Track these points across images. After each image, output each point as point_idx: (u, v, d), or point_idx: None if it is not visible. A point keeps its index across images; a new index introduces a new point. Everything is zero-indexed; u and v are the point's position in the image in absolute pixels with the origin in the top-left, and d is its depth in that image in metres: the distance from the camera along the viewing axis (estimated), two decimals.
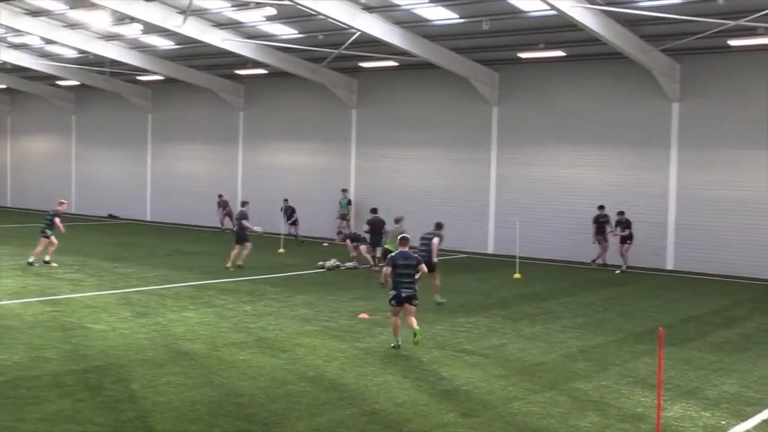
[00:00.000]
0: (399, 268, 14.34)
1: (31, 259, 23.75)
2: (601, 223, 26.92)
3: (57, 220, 23.85)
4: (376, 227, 24.66)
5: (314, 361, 13.27)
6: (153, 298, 18.85)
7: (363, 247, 25.49)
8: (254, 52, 30.69)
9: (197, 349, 13.82)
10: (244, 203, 26.28)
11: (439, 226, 19.62)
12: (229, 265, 24.26)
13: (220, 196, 37.24)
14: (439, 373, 12.73)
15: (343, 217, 33.15)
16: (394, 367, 13.02)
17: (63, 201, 25.84)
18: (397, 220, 22.02)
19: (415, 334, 14.09)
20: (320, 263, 25.45)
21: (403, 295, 14.33)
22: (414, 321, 14.32)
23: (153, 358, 13.16)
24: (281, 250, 29.20)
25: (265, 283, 21.84)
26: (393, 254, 14.80)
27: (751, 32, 23.36)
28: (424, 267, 14.73)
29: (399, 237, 15.13)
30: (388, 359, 13.56)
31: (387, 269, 14.60)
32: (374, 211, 25.81)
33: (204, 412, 10.38)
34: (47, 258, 23.98)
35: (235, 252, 24.48)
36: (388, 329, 15.75)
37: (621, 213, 26.43)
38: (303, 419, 10.28)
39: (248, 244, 24.74)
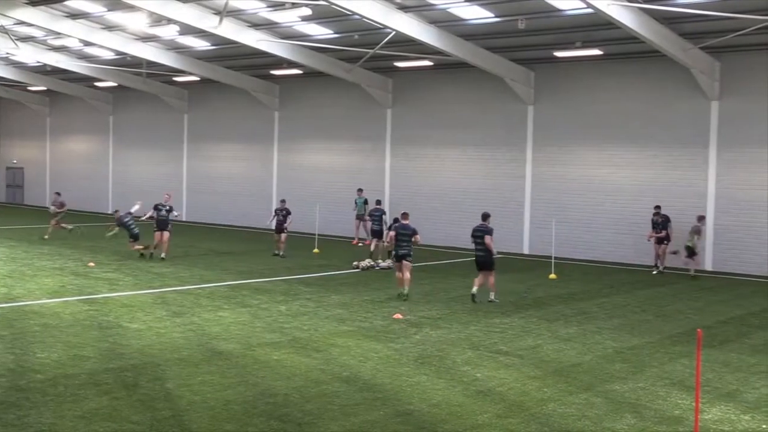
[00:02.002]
0: (399, 236, 19.46)
1: (163, 254, 25.52)
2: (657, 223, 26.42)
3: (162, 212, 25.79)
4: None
5: (348, 362, 13.26)
6: (188, 298, 18.99)
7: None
8: (289, 52, 30.79)
9: (232, 349, 13.88)
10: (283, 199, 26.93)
11: (485, 216, 19.82)
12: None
13: (282, 201, 32.03)
14: (474, 374, 12.67)
15: (360, 217, 32.89)
16: (428, 368, 12.98)
17: (167, 193, 27.58)
18: (404, 216, 20.67)
19: (401, 294, 19.27)
20: (355, 263, 25.47)
21: (400, 253, 19.38)
22: (407, 277, 19.27)
23: (188, 357, 13.24)
24: (316, 250, 29.26)
25: (299, 283, 21.90)
26: (396, 224, 20.51)
27: None
28: (418, 237, 19.75)
29: (402, 213, 20.51)
30: (423, 360, 13.52)
31: (392, 233, 20.00)
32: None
33: (238, 412, 10.42)
34: (163, 255, 25.57)
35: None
36: (423, 330, 16.03)
37: (657, 209, 25.96)
38: (337, 419, 10.27)
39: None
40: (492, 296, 19.26)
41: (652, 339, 15.71)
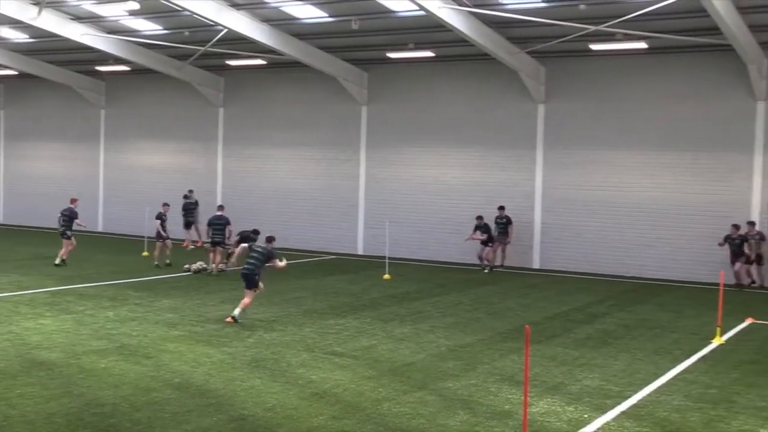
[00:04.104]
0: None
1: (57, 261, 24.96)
2: (500, 224, 27.12)
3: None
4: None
5: (180, 367, 12.87)
6: (5, 306, 17.86)
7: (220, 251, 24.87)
8: (115, 47, 29.69)
9: (55, 358, 13.17)
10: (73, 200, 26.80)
11: (269, 239, 18.07)
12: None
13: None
14: (309, 376, 12.56)
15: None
16: (262, 371, 12.77)
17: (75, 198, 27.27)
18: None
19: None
20: (186, 266, 24.81)
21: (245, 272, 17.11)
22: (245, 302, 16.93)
23: (5, 369, 12.42)
24: (145, 253, 28.34)
25: (127, 288, 21.11)
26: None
27: (610, 37, 24.22)
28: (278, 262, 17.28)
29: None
30: (257, 363, 13.29)
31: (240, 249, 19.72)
32: (220, 207, 26.48)
33: (62, 425, 9.87)
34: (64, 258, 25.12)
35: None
36: (257, 333, 15.81)
37: (479, 218, 26.60)
38: (168, 428, 9.93)
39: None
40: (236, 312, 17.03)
41: (483, 336, 16.09)
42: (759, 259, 24.14)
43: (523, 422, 9.57)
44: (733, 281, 23.78)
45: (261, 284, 17.20)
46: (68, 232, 25.37)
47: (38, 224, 38.04)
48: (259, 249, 17.42)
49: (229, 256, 25.09)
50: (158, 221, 25.97)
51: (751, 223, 24.08)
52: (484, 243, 26.57)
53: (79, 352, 13.69)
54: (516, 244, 27.49)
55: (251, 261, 17.10)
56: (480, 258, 26.75)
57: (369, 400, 11.39)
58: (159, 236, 25.87)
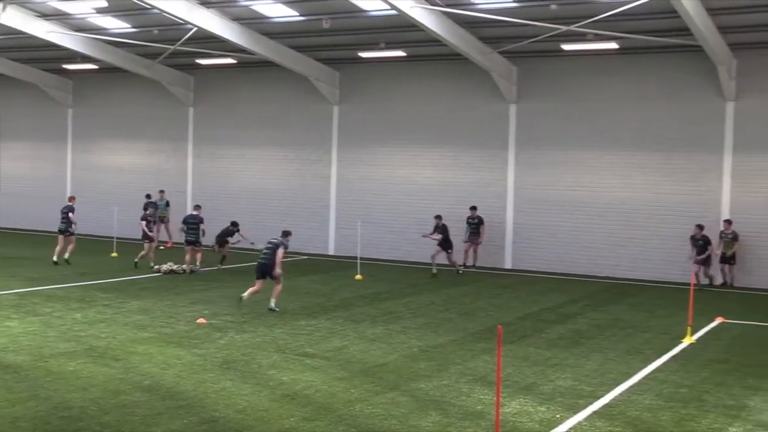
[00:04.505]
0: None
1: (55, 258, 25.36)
2: (472, 224, 27.08)
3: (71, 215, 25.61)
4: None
5: (150, 369, 12.71)
6: None
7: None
8: (83, 45, 29.36)
9: (21, 361, 12.94)
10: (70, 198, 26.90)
11: (285, 234, 18.94)
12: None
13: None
14: (280, 378, 12.45)
15: (162, 219, 31.66)
16: (233, 373, 12.64)
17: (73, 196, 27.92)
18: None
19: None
20: (156, 267, 24.56)
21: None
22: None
23: None
24: (114, 254, 28.03)
25: (96, 289, 20.85)
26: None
27: (581, 37, 24.32)
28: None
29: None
30: (228, 365, 13.16)
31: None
32: (197, 206, 26.32)
33: (28, 429, 9.69)
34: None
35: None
36: (228, 334, 15.67)
37: (438, 217, 25.72)
38: (137, 431, 9.79)
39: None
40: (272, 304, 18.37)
41: (455, 337, 16.06)
42: (732, 259, 24.27)
43: (496, 423, 9.54)
44: (704, 281, 24.02)
45: (278, 269, 18.28)
46: (70, 229, 25.61)
47: (2, 225, 37.60)
48: (273, 240, 18.63)
49: (223, 258, 25.56)
50: (143, 222, 26.02)
51: (728, 222, 24.21)
52: (441, 245, 25.30)
53: (47, 354, 13.48)
54: (488, 245, 27.52)
55: (266, 252, 18.45)
56: (433, 258, 25.49)
57: (341, 401, 11.30)
58: (145, 236, 25.72)
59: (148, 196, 31.30)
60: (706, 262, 24.02)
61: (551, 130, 27.06)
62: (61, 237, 25.61)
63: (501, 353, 9.79)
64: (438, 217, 25.77)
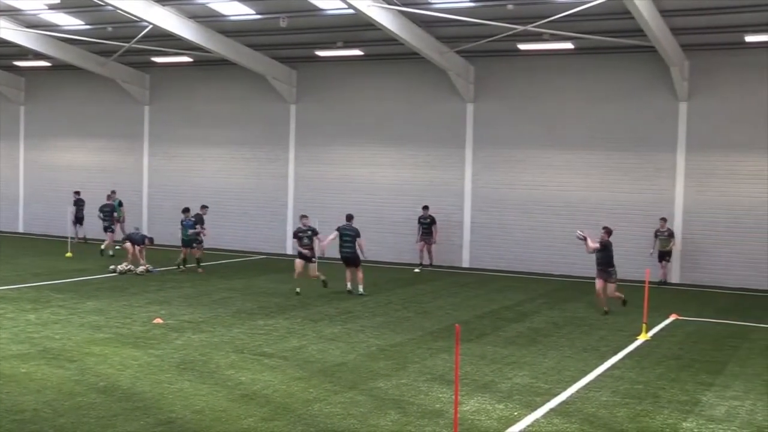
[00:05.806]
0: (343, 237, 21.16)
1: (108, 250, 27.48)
2: (424, 224, 27.18)
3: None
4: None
5: (106, 371, 12.56)
6: None
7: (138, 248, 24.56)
8: (35, 42, 28.87)
9: None
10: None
11: (349, 217, 21.66)
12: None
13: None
14: (238, 378, 12.38)
15: (117, 219, 31.30)
16: (191, 373, 12.54)
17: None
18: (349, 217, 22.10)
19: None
20: (111, 267, 24.28)
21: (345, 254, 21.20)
22: (359, 276, 21.09)
23: None
24: (69, 254, 27.65)
25: (50, 290, 20.55)
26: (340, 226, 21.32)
27: (537, 37, 24.50)
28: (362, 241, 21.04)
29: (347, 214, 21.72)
30: (185, 365, 13.05)
31: (330, 236, 21.35)
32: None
33: None
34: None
35: None
36: (185, 334, 15.54)
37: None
38: None
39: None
40: (360, 289, 20.98)
41: (414, 336, 16.09)
42: (668, 255, 24.64)
43: (454, 421, 9.58)
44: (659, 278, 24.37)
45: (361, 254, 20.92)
46: (113, 226, 28.32)
47: None
48: (349, 232, 21.04)
49: (198, 261, 25.42)
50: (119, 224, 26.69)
51: (663, 219, 24.62)
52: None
53: None
54: (446, 243, 27.62)
55: (348, 243, 20.85)
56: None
57: (299, 401, 11.27)
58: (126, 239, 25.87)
59: (77, 193, 31.86)
60: (668, 256, 24.53)
61: (508, 129, 27.23)
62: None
63: (459, 352, 9.83)
64: (349, 217, 22.50)
